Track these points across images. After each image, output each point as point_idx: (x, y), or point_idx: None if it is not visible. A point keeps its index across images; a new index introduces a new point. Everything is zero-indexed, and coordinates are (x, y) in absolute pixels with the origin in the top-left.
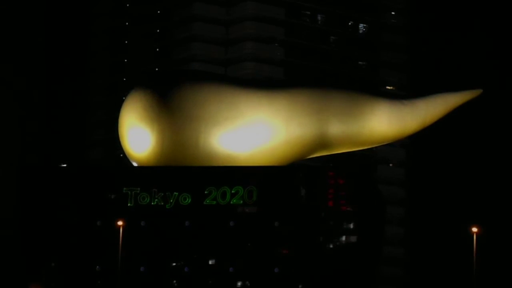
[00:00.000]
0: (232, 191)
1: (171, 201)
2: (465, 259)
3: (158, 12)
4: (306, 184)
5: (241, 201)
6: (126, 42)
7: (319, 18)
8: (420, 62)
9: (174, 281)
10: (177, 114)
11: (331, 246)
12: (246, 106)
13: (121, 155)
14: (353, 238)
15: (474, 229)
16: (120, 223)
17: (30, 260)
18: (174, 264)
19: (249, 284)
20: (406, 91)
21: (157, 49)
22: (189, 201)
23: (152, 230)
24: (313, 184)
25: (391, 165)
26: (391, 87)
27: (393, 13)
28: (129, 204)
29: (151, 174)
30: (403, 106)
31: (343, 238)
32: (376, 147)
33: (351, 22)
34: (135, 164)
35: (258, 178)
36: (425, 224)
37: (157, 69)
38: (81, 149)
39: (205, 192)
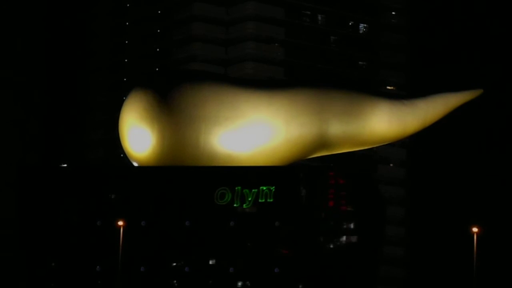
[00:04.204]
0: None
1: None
2: (465, 259)
3: (158, 12)
4: (306, 184)
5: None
6: (126, 42)
7: (319, 18)
8: (420, 62)
9: (174, 281)
10: (177, 114)
11: (331, 246)
12: (246, 106)
13: (121, 155)
14: (353, 238)
15: (474, 229)
16: (120, 223)
17: (30, 260)
18: (174, 264)
19: (249, 284)
20: (406, 91)
21: (157, 49)
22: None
23: (152, 230)
24: (313, 184)
25: (391, 165)
26: (391, 87)
27: (393, 13)
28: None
29: (151, 174)
30: (403, 106)
31: (343, 238)
32: (376, 147)
33: (351, 22)
34: (135, 164)
35: (258, 178)
36: (425, 224)
37: (157, 69)
38: (81, 149)
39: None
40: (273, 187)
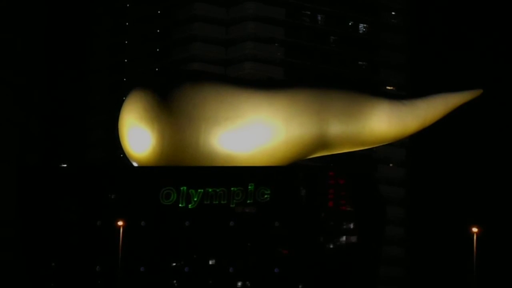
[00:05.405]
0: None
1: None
2: (465, 259)
3: (158, 12)
4: (306, 184)
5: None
6: (126, 42)
7: (319, 18)
8: (420, 62)
9: (174, 281)
10: (177, 114)
11: (331, 246)
12: (246, 106)
13: (121, 155)
14: (353, 238)
15: (474, 229)
16: (120, 223)
17: (30, 260)
18: (174, 264)
19: (249, 284)
20: (406, 91)
21: (157, 49)
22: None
23: (152, 230)
24: (313, 184)
25: (391, 165)
26: (391, 87)
27: (393, 13)
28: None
29: (151, 174)
30: (403, 106)
31: (343, 238)
32: (376, 147)
33: (351, 22)
34: (135, 164)
35: (258, 178)
36: (425, 224)
37: (157, 69)
38: (81, 149)
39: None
40: (220, 188)
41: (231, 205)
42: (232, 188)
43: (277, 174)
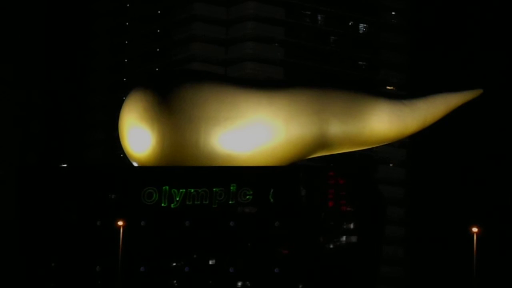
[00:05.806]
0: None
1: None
2: (465, 259)
3: (158, 12)
4: (306, 184)
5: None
6: (126, 42)
7: (319, 18)
8: (420, 62)
9: (174, 281)
10: (177, 114)
11: (331, 246)
12: (246, 106)
13: (121, 155)
14: (353, 238)
15: (474, 229)
16: (120, 223)
17: (30, 260)
18: (174, 264)
19: (249, 284)
20: (406, 91)
21: (157, 49)
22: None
23: (152, 230)
24: (313, 184)
25: (391, 165)
26: (391, 87)
27: (393, 13)
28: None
29: (151, 174)
30: (403, 106)
31: (343, 238)
32: (376, 147)
33: (351, 22)
34: (135, 164)
35: (258, 178)
36: (425, 224)
37: (157, 69)
38: (81, 149)
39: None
40: (202, 189)
41: (213, 206)
42: (214, 189)
43: (258, 174)
